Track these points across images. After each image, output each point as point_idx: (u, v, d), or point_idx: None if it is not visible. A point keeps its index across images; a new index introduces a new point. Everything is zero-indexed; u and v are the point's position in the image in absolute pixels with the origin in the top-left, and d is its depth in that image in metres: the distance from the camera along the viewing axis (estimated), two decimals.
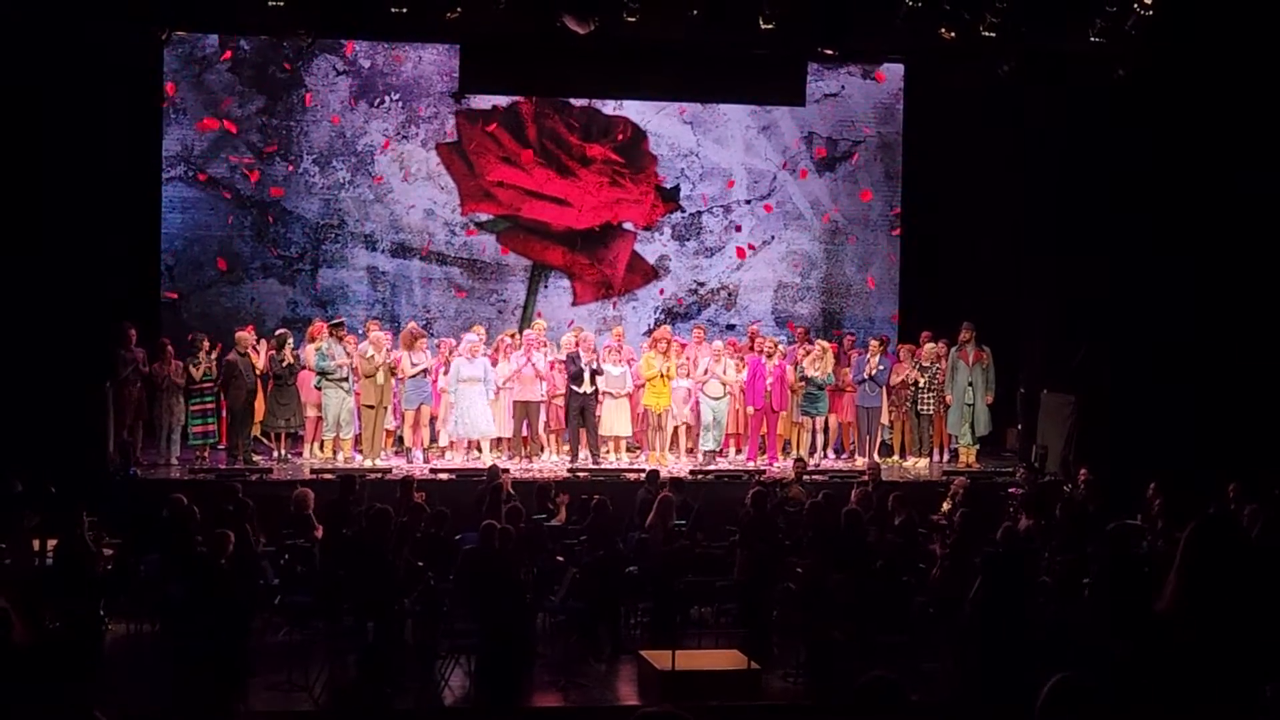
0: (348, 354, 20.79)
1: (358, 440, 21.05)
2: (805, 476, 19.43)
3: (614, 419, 21.33)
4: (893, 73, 25.40)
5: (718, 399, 21.40)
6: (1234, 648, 5.35)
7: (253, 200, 23.90)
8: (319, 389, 20.87)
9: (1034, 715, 5.07)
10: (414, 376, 20.80)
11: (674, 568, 16.01)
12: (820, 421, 22.12)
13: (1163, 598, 5.45)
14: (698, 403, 21.75)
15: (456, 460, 20.84)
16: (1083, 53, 19.99)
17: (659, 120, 24.98)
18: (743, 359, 21.86)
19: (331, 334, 20.89)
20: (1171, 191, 20.67)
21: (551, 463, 21.22)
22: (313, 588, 15.82)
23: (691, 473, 20.23)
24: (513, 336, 21.73)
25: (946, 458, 22.52)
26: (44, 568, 15.30)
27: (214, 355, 20.62)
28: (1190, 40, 19.80)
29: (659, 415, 21.58)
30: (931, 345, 22.24)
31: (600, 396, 21.22)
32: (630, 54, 21.73)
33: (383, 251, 24.29)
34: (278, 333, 21.15)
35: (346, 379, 20.67)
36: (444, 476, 19.69)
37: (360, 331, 21.78)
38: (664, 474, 19.09)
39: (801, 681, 15.18)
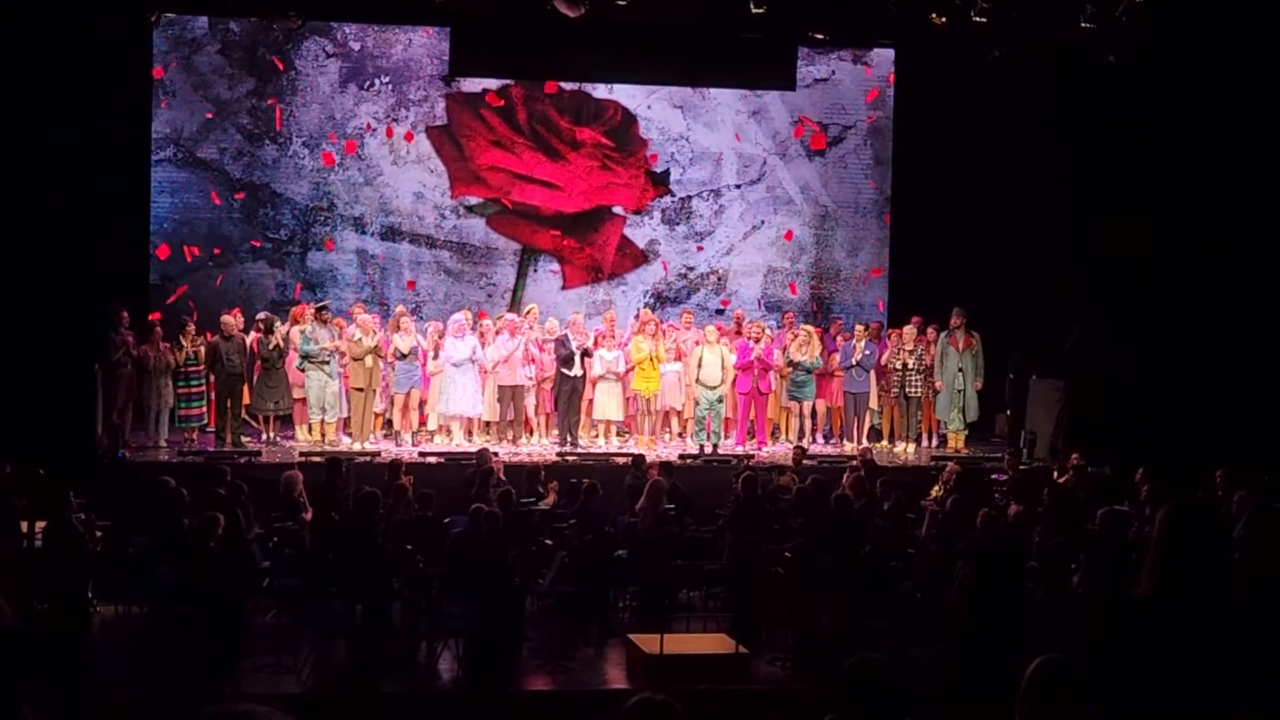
0: (332, 337, 20.77)
1: (346, 423, 21.06)
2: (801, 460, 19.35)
3: (605, 403, 21.33)
4: (883, 58, 25.39)
5: (714, 388, 21.30)
6: (1210, 631, 5.36)
7: (242, 182, 23.85)
8: (301, 370, 20.83)
9: (1018, 697, 5.08)
10: (403, 359, 20.76)
11: (662, 552, 16.03)
12: (807, 407, 22.11)
13: (1141, 583, 5.46)
14: (687, 386, 21.72)
15: (446, 444, 20.84)
16: (1073, 39, 19.99)
17: (649, 104, 24.96)
18: (730, 344, 21.85)
19: (316, 317, 20.86)
20: (1165, 176, 20.67)
21: (540, 447, 21.22)
22: (301, 571, 15.84)
23: (681, 457, 20.23)
24: (499, 320, 21.71)
25: (935, 443, 22.55)
26: (33, 550, 15.28)
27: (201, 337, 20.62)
28: (1182, 26, 19.80)
29: (648, 400, 21.56)
30: (910, 328, 22.23)
31: (592, 380, 21.20)
32: (621, 38, 21.69)
33: (372, 235, 24.26)
34: (261, 316, 21.12)
35: (329, 362, 20.65)
36: (433, 460, 19.69)
37: (346, 314, 21.79)
38: (652, 458, 19.08)
39: (789, 666, 15.23)
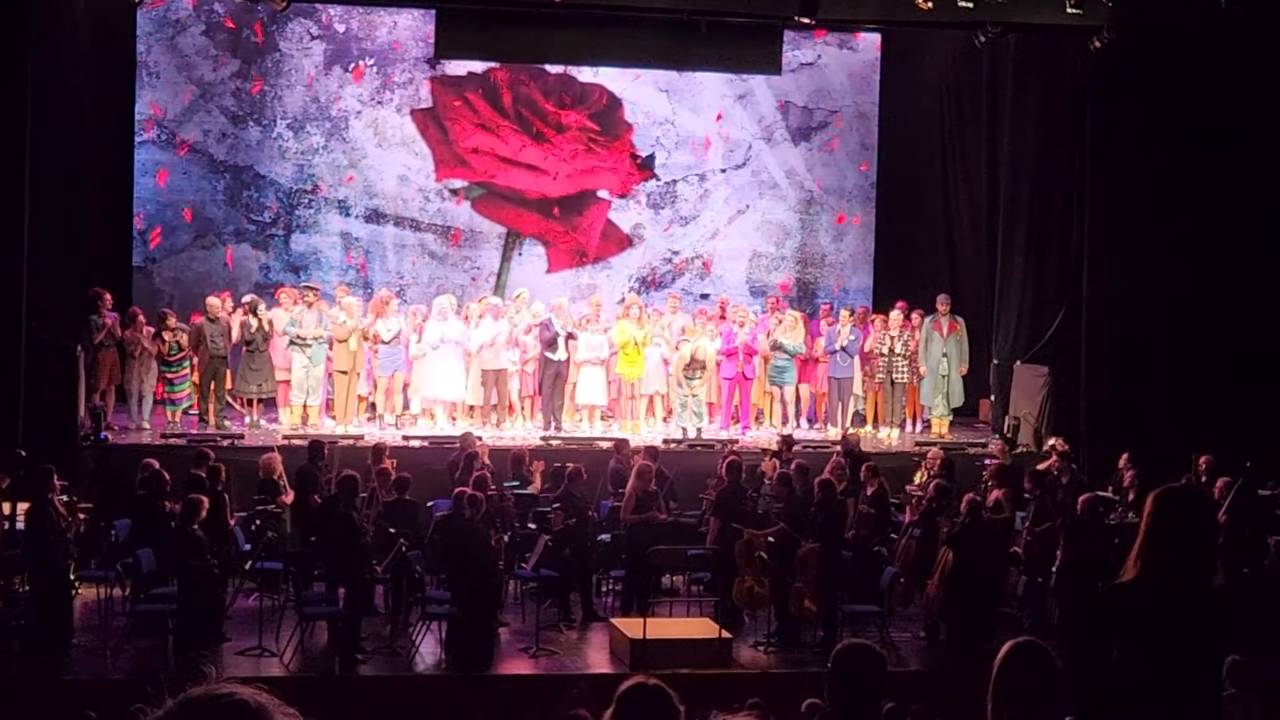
0: (318, 321, 20.65)
1: (329, 406, 21.02)
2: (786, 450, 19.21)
3: (589, 388, 21.27)
4: (869, 42, 25.37)
5: (693, 379, 21.21)
6: (1196, 620, 5.35)
7: (226, 164, 23.77)
8: (289, 350, 20.71)
9: (990, 681, 5.08)
10: (389, 342, 20.69)
11: (645, 536, 16.03)
12: (789, 392, 22.06)
13: (1128, 568, 5.45)
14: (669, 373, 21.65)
15: (429, 427, 20.80)
16: (1060, 24, 19.99)
17: (634, 88, 24.90)
18: (715, 329, 21.80)
19: (302, 300, 20.78)
20: (1150, 158, 20.68)
21: (524, 431, 21.16)
22: (283, 553, 15.84)
23: (665, 441, 20.20)
24: (480, 302, 21.67)
25: (919, 429, 22.55)
26: (14, 532, 15.26)
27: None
28: (1166, 11, 19.83)
29: (632, 384, 21.52)
30: (895, 313, 22.17)
31: (576, 364, 21.13)
32: (606, 21, 21.63)
33: (356, 217, 24.18)
34: (247, 298, 21.05)
35: (311, 345, 20.53)
36: (416, 444, 19.66)
37: (331, 296, 21.73)
38: (636, 443, 19.05)
39: (772, 650, 15.26)
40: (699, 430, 21.06)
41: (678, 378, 21.35)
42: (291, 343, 20.54)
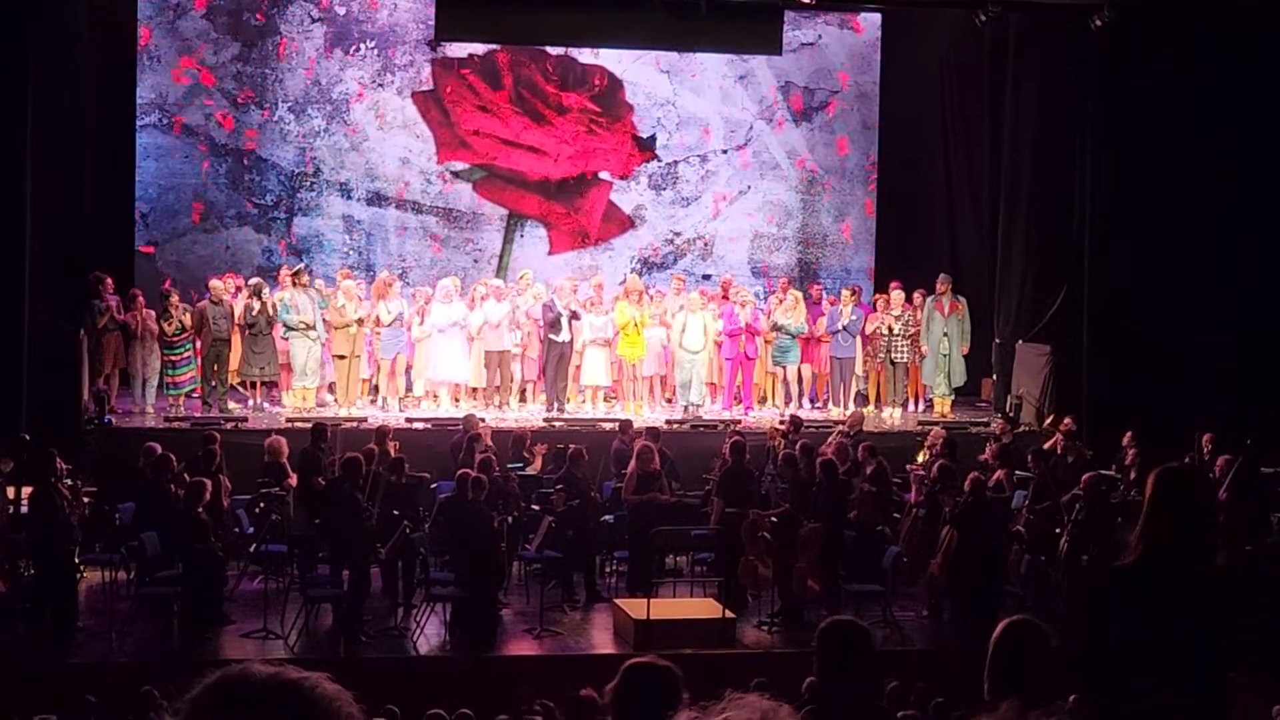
0: (312, 301, 20.56)
1: (331, 388, 21.01)
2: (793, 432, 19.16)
3: (592, 368, 21.27)
4: (870, 22, 25.32)
5: (696, 353, 21.20)
6: (1196, 600, 5.36)
7: (228, 148, 23.75)
8: (285, 339, 20.68)
9: (986, 661, 5.10)
10: (390, 325, 20.66)
11: (649, 517, 16.04)
12: (792, 371, 22.06)
13: (1130, 548, 5.45)
14: (670, 355, 21.62)
15: (432, 409, 20.81)
16: (1060, 3, 20.00)
17: (635, 69, 24.87)
18: (717, 309, 21.80)
19: (295, 283, 20.69)
20: (1151, 136, 20.68)
21: (526, 413, 21.16)
22: (287, 536, 15.87)
23: (668, 422, 20.19)
24: (485, 285, 21.66)
25: (921, 408, 22.55)
26: (19, 516, 15.28)
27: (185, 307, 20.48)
28: None
29: (634, 365, 21.50)
30: (898, 293, 22.15)
31: (580, 346, 21.12)
32: (607, 2, 21.61)
33: (358, 200, 24.16)
34: (251, 281, 21.03)
35: (314, 327, 20.47)
36: (419, 426, 19.67)
37: (333, 278, 21.70)
38: (639, 424, 19.05)
39: (776, 630, 15.28)
40: (697, 406, 21.02)
41: (675, 349, 21.32)
42: (289, 328, 20.44)
